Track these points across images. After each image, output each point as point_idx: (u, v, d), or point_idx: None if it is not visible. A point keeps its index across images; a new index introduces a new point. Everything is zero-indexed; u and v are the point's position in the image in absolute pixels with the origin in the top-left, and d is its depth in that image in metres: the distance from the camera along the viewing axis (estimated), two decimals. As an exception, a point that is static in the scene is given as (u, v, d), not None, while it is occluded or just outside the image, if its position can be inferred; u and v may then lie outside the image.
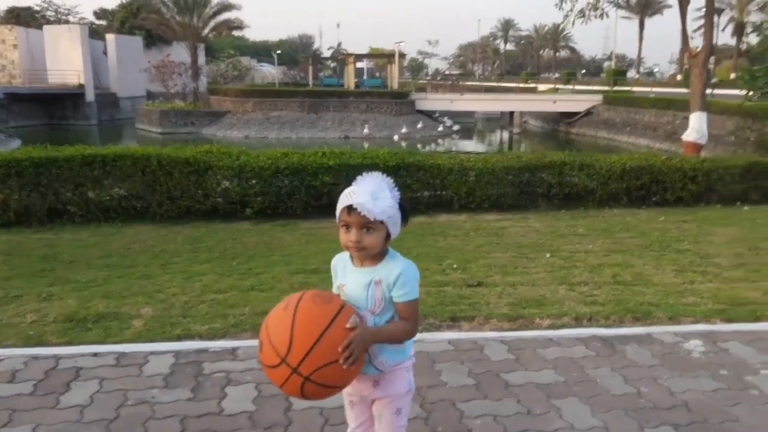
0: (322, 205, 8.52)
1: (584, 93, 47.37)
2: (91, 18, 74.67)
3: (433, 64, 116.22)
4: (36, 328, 4.28)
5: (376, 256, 2.13)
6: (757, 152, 13.38)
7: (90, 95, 46.89)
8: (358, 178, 2.13)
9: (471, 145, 41.18)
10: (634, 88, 49.86)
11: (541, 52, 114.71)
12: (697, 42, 16.06)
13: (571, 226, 7.98)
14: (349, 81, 53.09)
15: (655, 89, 48.88)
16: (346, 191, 2.10)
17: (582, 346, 3.92)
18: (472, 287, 5.33)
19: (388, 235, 2.10)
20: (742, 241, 7.14)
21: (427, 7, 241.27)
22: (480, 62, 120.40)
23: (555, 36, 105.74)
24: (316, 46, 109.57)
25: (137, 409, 3.14)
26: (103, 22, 72.74)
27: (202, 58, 51.23)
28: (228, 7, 49.56)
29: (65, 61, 45.91)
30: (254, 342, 4.00)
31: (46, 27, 50.64)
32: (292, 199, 8.37)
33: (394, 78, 51.90)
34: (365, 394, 2.25)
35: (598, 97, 42.33)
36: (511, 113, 47.39)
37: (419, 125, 40.73)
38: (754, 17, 61.51)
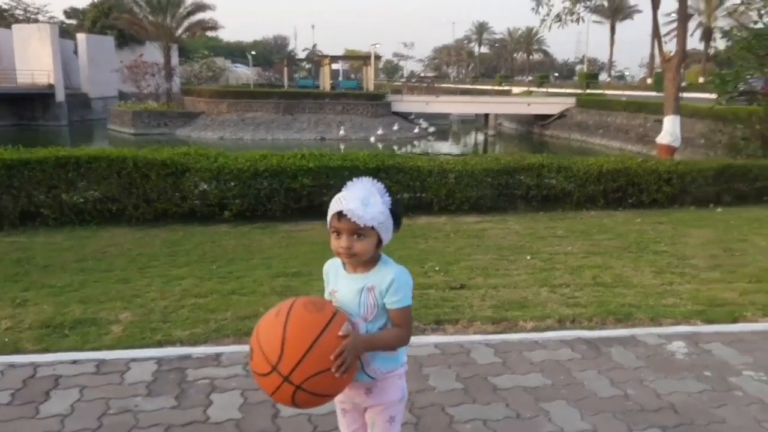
0: (302, 207, 8.46)
1: (558, 96, 47.92)
2: (61, 17, 73.41)
3: (408, 67, 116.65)
4: (11, 335, 4.16)
5: (369, 262, 2.10)
6: (729, 155, 13.64)
7: (60, 95, 46.04)
8: (348, 183, 2.09)
9: (446, 147, 41.34)
10: (606, 92, 50.56)
11: (515, 55, 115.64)
12: (668, 47, 16.33)
13: (550, 227, 8.04)
14: (325, 82, 52.97)
15: (626, 93, 49.62)
16: (337, 197, 2.07)
17: (567, 348, 3.94)
18: (455, 290, 5.32)
19: (379, 241, 2.08)
20: (717, 243, 7.26)
21: (403, 9, 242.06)
22: (455, 65, 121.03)
23: (528, 39, 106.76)
24: (291, 47, 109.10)
25: (120, 418, 3.06)
26: (73, 22, 71.53)
27: (175, 59, 50.70)
28: (202, 8, 49.18)
29: (35, 61, 45.03)
30: (238, 348, 3.97)
31: (15, 26, 49.63)
32: (271, 202, 8.29)
33: (370, 80, 51.99)
34: (357, 401, 2.21)
35: (572, 100, 42.84)
36: (486, 115, 47.75)
37: (395, 127, 40.80)
38: (722, 22, 62.83)
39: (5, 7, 68.30)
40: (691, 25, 66.87)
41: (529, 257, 6.48)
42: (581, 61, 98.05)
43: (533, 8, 14.49)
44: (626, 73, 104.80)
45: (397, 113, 43.29)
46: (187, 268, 6.05)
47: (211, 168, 8.13)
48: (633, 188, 9.41)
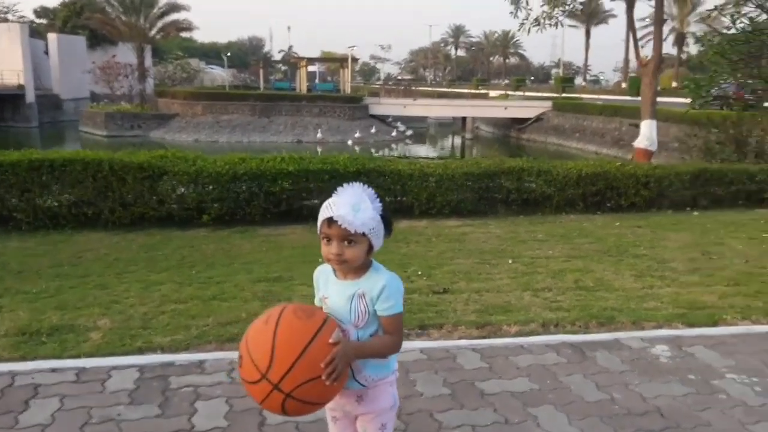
0: (281, 211, 8.39)
1: (534, 99, 48.37)
2: (32, 16, 72.11)
3: (385, 69, 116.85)
4: (-14, 342, 4.05)
5: (360, 268, 2.08)
6: (703, 159, 13.86)
7: (30, 96, 45.21)
8: (339, 189, 2.08)
9: (424, 150, 41.48)
10: (582, 96, 51.16)
11: (491, 58, 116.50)
12: (643, 51, 16.58)
13: (531, 231, 8.07)
14: (301, 85, 52.81)
15: (602, 96, 50.29)
16: (327, 203, 2.05)
17: (553, 353, 3.94)
18: (438, 294, 5.31)
19: (370, 247, 2.05)
20: (695, 246, 7.35)
21: (379, 12, 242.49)
22: (431, 68, 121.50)
23: (505, 43, 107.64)
24: (266, 48, 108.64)
25: (103, 427, 2.99)
26: (44, 21, 70.30)
27: (149, 60, 50.10)
28: (176, 8, 48.71)
29: (4, 61, 44.16)
30: (222, 354, 3.90)
31: (-17, 25, 48.71)
32: (250, 206, 8.21)
33: (347, 82, 51.88)
34: (348, 409, 2.19)
35: (548, 104, 43.28)
36: (464, 119, 47.99)
37: (373, 130, 40.81)
38: (694, 28, 64.05)
39: (-26, 6, 67.01)
40: (664, 30, 68.21)
41: (510, 261, 6.49)
42: (557, 65, 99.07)
43: (512, 12, 14.60)
44: (601, 77, 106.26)
45: (374, 116, 43.32)
46: (165, 273, 5.95)
47: (189, 171, 8.02)
48: (611, 192, 9.50)
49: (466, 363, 3.76)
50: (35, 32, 55.95)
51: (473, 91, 68.27)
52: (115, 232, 7.70)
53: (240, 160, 8.23)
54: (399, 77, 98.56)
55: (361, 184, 2.09)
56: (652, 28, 18.69)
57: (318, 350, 1.88)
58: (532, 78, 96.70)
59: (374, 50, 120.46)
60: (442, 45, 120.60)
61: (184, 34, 59.86)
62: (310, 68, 59.88)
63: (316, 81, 60.56)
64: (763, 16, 14.44)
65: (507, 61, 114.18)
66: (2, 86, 44.10)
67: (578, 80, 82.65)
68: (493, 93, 62.86)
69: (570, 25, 78.91)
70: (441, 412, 3.17)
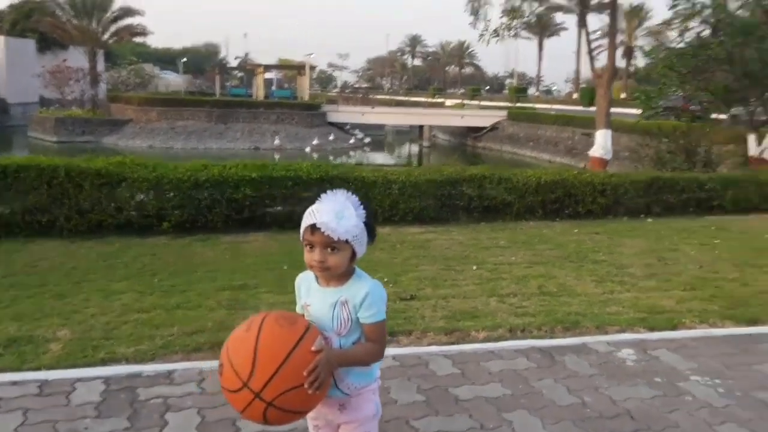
0: (244, 218, 8.28)
1: (490, 109, 49.10)
2: (-23, 18, 69.64)
3: (342, 77, 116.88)
4: (-60, 355, 3.87)
5: (342, 275, 2.08)
6: (655, 167, 14.28)
7: (-25, 100, 43.67)
8: (323, 195, 2.07)
9: (382, 158, 41.61)
10: (536, 105, 52.14)
11: (447, 68, 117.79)
12: (596, 64, 17.00)
13: (493, 238, 8.16)
14: (258, 92, 52.39)
15: (555, 106, 51.36)
16: (310, 209, 2.04)
17: (523, 357, 3.99)
18: (405, 301, 5.32)
19: (353, 255, 2.05)
20: (650, 252, 7.55)
21: (336, 20, 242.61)
22: (388, 76, 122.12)
23: (460, 53, 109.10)
24: (222, 55, 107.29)
25: (69, 442, 2.89)
26: (-10, 23, 68.03)
27: (101, 64, 48.97)
28: (130, 12, 47.77)
29: (-52, 64, 42.62)
30: (190, 364, 3.83)
31: (-75, 27, 46.84)
32: (212, 213, 8.07)
33: (305, 89, 51.75)
34: (331, 418, 2.17)
35: (503, 113, 43.97)
36: (421, 127, 48.35)
37: (331, 137, 40.76)
38: (642, 41, 66.11)
39: None
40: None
41: (475, 267, 6.55)
42: (511, 76, 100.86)
43: (471, 23, 14.82)
44: (553, 88, 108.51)
45: (332, 123, 43.30)
46: (126, 282, 5.80)
47: (149, 178, 7.86)
48: (570, 199, 9.69)
49: (438, 369, 3.78)
50: (-19, 35, 54.08)
51: (430, 100, 68.88)
52: (72, 240, 7.47)
53: (202, 167, 8.10)
54: (356, 85, 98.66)
55: (345, 191, 2.08)
56: (601, 41, 19.27)
57: (300, 358, 1.87)
58: (487, 88, 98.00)
59: (331, 58, 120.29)
60: (399, 54, 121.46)
61: (138, 39, 58.70)
62: (267, 75, 59.54)
63: (273, 88, 60.19)
64: (708, 32, 15.04)
65: (462, 71, 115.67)
66: (-55, 89, 42.50)
67: (531, 90, 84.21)
68: (449, 102, 63.54)
69: (524, 37, 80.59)
70: (417, 419, 3.17)
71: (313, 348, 1.90)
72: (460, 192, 9.22)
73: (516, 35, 14.95)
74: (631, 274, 6.48)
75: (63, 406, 3.19)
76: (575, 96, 66.01)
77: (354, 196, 2.06)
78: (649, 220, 9.94)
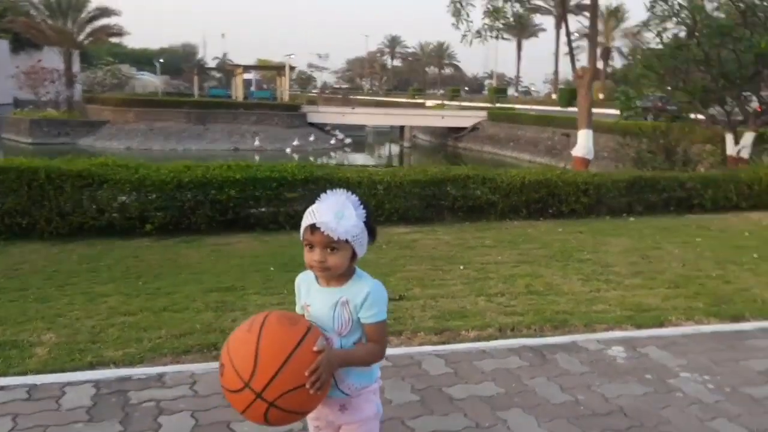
0: (228, 219, 8.22)
1: (470, 109, 49.33)
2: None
3: (322, 78, 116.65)
4: None
5: (343, 275, 2.06)
6: (635, 167, 14.45)
7: (-54, 101, 42.87)
8: (322, 195, 2.05)
9: (362, 159, 41.63)
10: (516, 106, 52.52)
11: (427, 69, 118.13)
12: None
13: (478, 237, 8.19)
14: (238, 92, 52.09)
15: (534, 107, 51.77)
16: (309, 209, 2.02)
17: (515, 356, 4.00)
18: (394, 301, 5.30)
19: (354, 255, 2.04)
20: (634, 251, 7.62)
21: (316, 21, 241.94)
22: (368, 77, 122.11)
23: (440, 54, 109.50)
24: (200, 55, 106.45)
25: (61, 447, 2.84)
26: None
27: (77, 65, 48.32)
28: (106, 12, 47.32)
29: None
30: (181, 367, 3.78)
31: None
32: (195, 214, 7.99)
33: (285, 90, 51.56)
34: (331, 419, 2.16)
35: (484, 114, 44.22)
36: (402, 127, 48.44)
37: (311, 138, 40.67)
38: (619, 42, 66.95)
39: None
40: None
41: (462, 267, 6.56)
42: (490, 76, 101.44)
43: (453, 24, 14.85)
44: (532, 89, 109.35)
45: (313, 124, 43.20)
46: (111, 284, 5.73)
47: (132, 179, 7.76)
48: (553, 199, 9.75)
49: (431, 369, 3.77)
50: (-47, 34, 53.11)
51: (410, 100, 69.04)
52: (52, 242, 7.35)
53: (185, 168, 8.02)
54: (336, 86, 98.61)
55: (345, 190, 2.07)
56: (579, 42, 19.48)
57: (302, 358, 1.86)
58: (467, 88, 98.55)
59: (311, 59, 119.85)
60: (379, 55, 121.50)
61: (114, 40, 58.10)
62: (246, 76, 59.23)
63: (252, 88, 59.89)
64: (684, 33, 15.25)
65: (442, 71, 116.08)
66: None
67: (511, 91, 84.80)
68: (429, 103, 63.76)
69: (503, 38, 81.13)
70: (412, 419, 3.16)
71: (314, 348, 1.89)
72: (444, 192, 9.24)
73: (498, 36, 15.02)
74: (617, 272, 6.53)
75: (53, 410, 3.13)
76: (554, 96, 66.62)
77: (354, 195, 2.05)
78: (632, 219, 10.04)
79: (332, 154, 40.46)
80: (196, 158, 10.24)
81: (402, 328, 4.60)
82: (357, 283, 2.06)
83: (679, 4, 14.70)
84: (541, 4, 52.96)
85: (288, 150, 38.03)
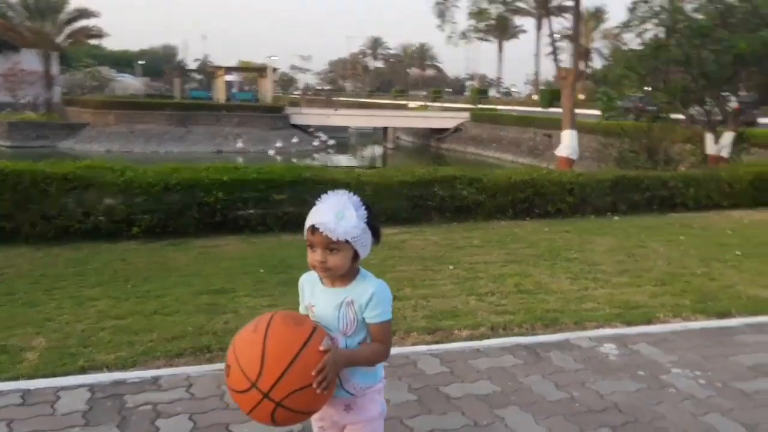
0: (216, 222, 8.17)
1: (453, 110, 49.51)
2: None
3: (304, 80, 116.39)
4: None
5: (347, 276, 2.07)
6: (618, 166, 14.60)
7: None
8: (323, 196, 2.06)
9: (346, 160, 41.59)
10: (497, 107, 52.80)
11: (409, 70, 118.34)
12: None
13: (466, 237, 8.23)
14: (219, 94, 51.81)
15: (516, 108, 52.10)
16: (312, 210, 2.03)
17: (509, 355, 4.03)
18: (386, 301, 5.31)
19: (356, 255, 2.04)
20: (620, 249, 7.70)
21: (297, 22, 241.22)
22: (350, 78, 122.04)
23: (422, 55, 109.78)
24: (180, 57, 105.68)
25: (58, 452, 2.81)
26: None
27: (56, 67, 47.73)
28: (86, 14, 46.83)
29: None
30: (176, 370, 3.77)
31: None
32: (183, 217, 7.94)
33: (268, 92, 51.38)
34: (336, 419, 2.16)
35: (466, 115, 44.40)
36: (385, 129, 48.50)
37: (294, 140, 40.58)
38: (598, 44, 67.54)
39: None
40: (571, 46, 71.71)
41: (451, 267, 6.59)
42: (471, 78, 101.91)
43: (439, 25, 14.91)
44: (513, 90, 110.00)
45: (296, 126, 43.09)
46: (99, 288, 5.68)
47: (118, 182, 7.70)
48: (539, 199, 9.82)
49: (427, 368, 3.79)
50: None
51: (393, 101, 69.13)
52: (37, 246, 7.26)
53: (172, 170, 7.97)
54: (318, 87, 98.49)
55: (346, 191, 2.07)
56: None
57: (309, 358, 1.87)
58: (449, 90, 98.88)
59: (293, 60, 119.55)
60: (361, 56, 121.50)
61: (93, 41, 57.55)
62: (227, 77, 58.89)
63: (234, 90, 59.55)
64: (663, 34, 15.43)
65: (424, 72, 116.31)
66: None
67: (492, 92, 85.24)
68: (412, 104, 63.88)
69: (484, 39, 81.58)
70: (410, 418, 3.17)
71: (321, 348, 1.90)
72: (432, 193, 9.27)
73: (483, 38, 15.12)
74: (604, 270, 6.60)
75: (49, 415, 3.10)
76: (535, 97, 67.05)
77: (355, 196, 2.05)
78: (616, 218, 10.14)
79: (315, 155, 40.40)
80: (178, 161, 10.17)
81: (395, 328, 4.59)
82: (362, 283, 2.07)
83: (660, 6, 14.90)
84: (522, 5, 53.28)
85: (271, 152, 37.92)
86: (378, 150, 49.60)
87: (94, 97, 47.72)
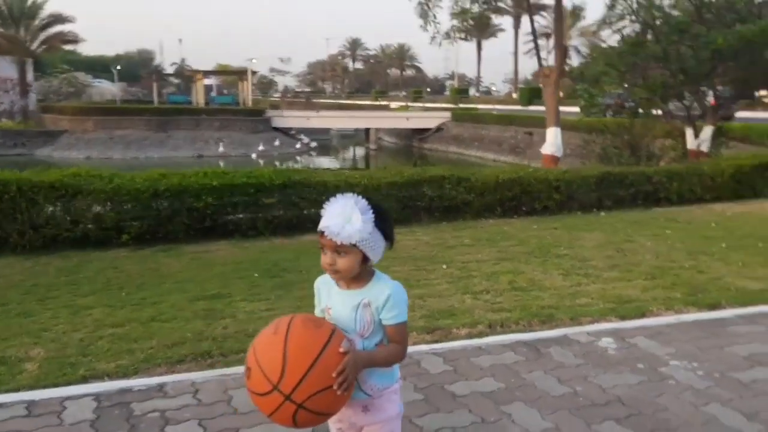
0: (206, 227, 8.14)
1: (434, 110, 49.66)
2: None
3: (284, 82, 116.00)
4: None
5: (362, 278, 2.10)
6: (601, 163, 14.75)
7: None
8: (331, 199, 2.08)
9: (329, 162, 41.53)
10: (478, 106, 53.04)
11: (388, 70, 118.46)
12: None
13: (457, 237, 8.28)
14: (199, 98, 51.49)
15: (496, 106, 52.38)
16: (322, 212, 2.06)
17: (510, 351, 4.08)
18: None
19: (366, 258, 2.06)
20: (608, 245, 7.79)
21: (274, 25, 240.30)
22: (330, 80, 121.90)
23: (401, 55, 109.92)
24: (157, 61, 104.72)
25: (70, 463, 2.80)
26: None
27: (31, 74, 47.10)
28: (60, 19, 46.27)
29: None
30: (181, 376, 3.76)
31: None
32: (172, 222, 7.90)
33: (248, 95, 51.15)
34: (354, 420, 2.18)
35: (447, 114, 44.56)
36: (367, 130, 48.50)
37: (276, 143, 40.43)
38: (575, 41, 68.10)
39: None
40: (550, 42, 72.14)
41: (445, 266, 6.63)
42: (451, 77, 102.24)
43: (422, 26, 14.96)
44: (493, 89, 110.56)
45: (277, 129, 42.95)
46: (93, 296, 5.64)
47: (106, 189, 7.64)
48: (526, 196, 9.90)
49: (431, 367, 3.82)
50: None
51: (373, 102, 69.16)
52: (26, 256, 7.20)
53: (161, 176, 7.93)
54: (297, 90, 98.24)
55: (353, 194, 2.09)
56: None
57: (329, 360, 1.89)
58: (429, 90, 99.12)
59: (273, 63, 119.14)
60: (340, 58, 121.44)
61: (69, 47, 56.77)
62: (206, 81, 58.55)
63: (213, 94, 59.21)
64: (639, 30, 15.63)
65: (404, 73, 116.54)
66: None
67: (472, 91, 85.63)
68: (393, 104, 63.97)
69: (465, 39, 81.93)
70: (419, 417, 3.20)
71: (341, 349, 1.92)
72: (421, 193, 9.31)
73: (466, 38, 15.22)
74: (594, 266, 6.68)
75: (56, 426, 3.09)
76: (514, 96, 67.48)
77: (363, 200, 2.06)
78: (602, 213, 10.26)
79: (298, 158, 40.31)
80: (159, 166, 10.11)
81: (394, 329, 4.64)
82: (377, 285, 2.10)
83: (637, 2, 15.07)
84: (501, 5, 53.57)
85: (253, 155, 37.74)
86: (360, 151, 49.59)
87: (71, 103, 47.18)
